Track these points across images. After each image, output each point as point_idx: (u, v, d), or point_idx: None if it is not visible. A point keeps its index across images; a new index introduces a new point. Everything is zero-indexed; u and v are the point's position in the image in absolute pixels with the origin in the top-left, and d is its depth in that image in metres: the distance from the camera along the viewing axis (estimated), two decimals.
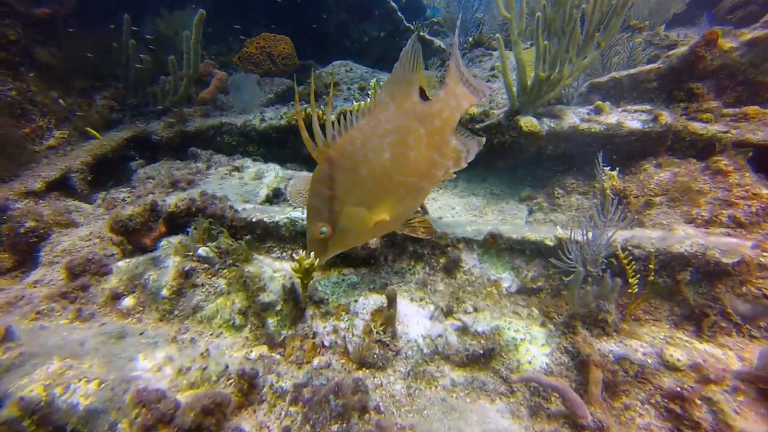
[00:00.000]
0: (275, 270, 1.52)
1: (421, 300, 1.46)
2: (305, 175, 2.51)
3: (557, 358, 1.25)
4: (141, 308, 1.52)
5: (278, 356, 1.36)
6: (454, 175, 1.40)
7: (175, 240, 1.67)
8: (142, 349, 1.32)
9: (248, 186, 2.31)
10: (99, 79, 2.79)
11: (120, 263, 1.61)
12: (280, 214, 1.74)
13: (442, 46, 3.92)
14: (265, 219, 1.72)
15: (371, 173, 0.95)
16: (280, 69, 3.62)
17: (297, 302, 1.39)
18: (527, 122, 2.18)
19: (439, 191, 2.57)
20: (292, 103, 3.09)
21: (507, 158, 2.45)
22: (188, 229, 1.63)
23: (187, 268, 1.51)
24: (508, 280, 1.54)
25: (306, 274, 1.30)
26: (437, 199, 2.49)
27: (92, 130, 2.41)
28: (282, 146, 2.74)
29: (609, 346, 1.24)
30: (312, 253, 1.11)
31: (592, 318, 1.29)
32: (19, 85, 2.38)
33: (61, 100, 2.50)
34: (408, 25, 3.91)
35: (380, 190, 0.98)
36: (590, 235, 1.37)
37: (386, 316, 1.33)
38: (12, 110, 2.36)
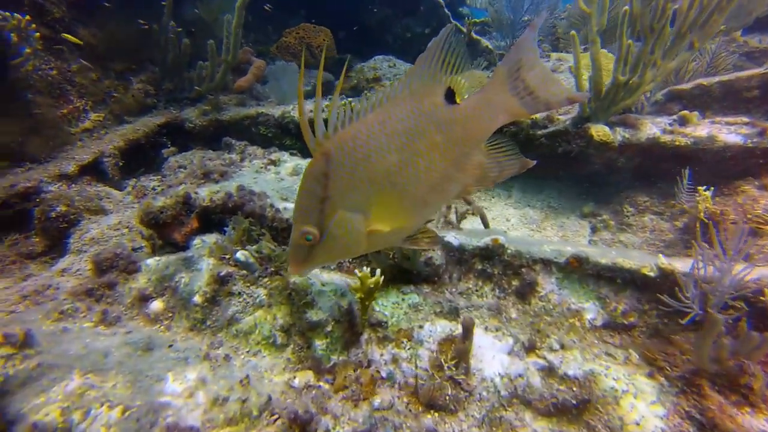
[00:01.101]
0: (324, 283, 1.32)
1: (497, 330, 1.23)
2: None
3: (676, 424, 1.01)
4: (170, 314, 1.34)
5: (327, 386, 1.16)
6: (476, 191, 1.17)
7: (209, 239, 1.49)
8: (171, 366, 1.13)
9: (285, 182, 2.13)
10: (136, 61, 2.65)
11: (149, 261, 1.44)
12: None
13: (490, 46, 3.70)
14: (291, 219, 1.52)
15: (371, 176, 0.83)
16: (318, 61, 3.45)
17: (352, 324, 1.19)
18: (599, 131, 1.94)
19: (491, 200, 2.34)
20: (334, 96, 2.91)
21: (569, 169, 2.22)
22: (225, 228, 1.44)
23: (222, 274, 1.32)
24: (592, 311, 1.30)
25: (368, 294, 1.09)
26: (490, 209, 2.26)
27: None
28: None
29: (757, 422, 0.99)
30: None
31: (726, 379, 1.04)
32: (60, 65, 2.26)
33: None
34: (455, 22, 3.70)
35: (380, 197, 0.85)
36: (708, 269, 1.13)
37: (460, 349, 1.12)
38: (52, 90, 2.24)
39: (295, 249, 0.86)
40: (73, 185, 2.19)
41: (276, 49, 3.36)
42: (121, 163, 2.41)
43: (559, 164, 2.20)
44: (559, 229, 2.15)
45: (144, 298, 1.36)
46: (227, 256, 1.36)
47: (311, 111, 0.86)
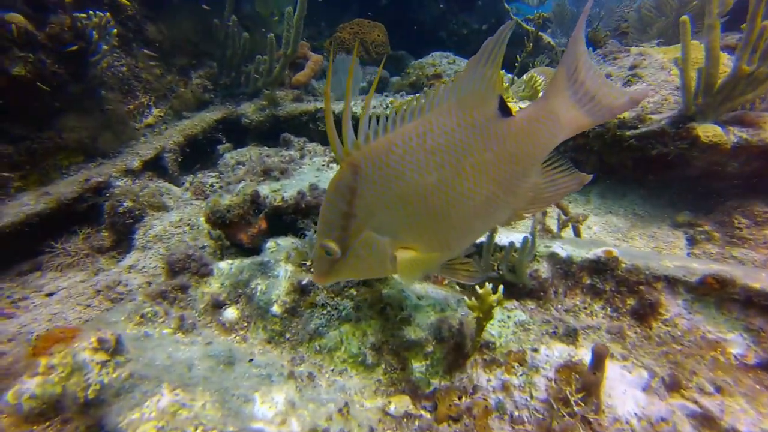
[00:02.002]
0: (419, 296, 1.18)
1: (624, 359, 1.05)
2: None
3: None
4: (245, 323, 1.23)
5: (428, 415, 1.01)
6: (527, 216, 1.04)
7: (285, 243, 1.38)
8: (256, 384, 1.01)
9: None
10: (196, 57, 2.61)
11: (221, 264, 1.33)
12: None
13: (552, 42, 3.48)
14: None
15: (404, 196, 0.72)
16: (372, 57, 3.33)
17: (459, 346, 1.03)
18: (709, 131, 1.71)
19: (568, 205, 2.14)
20: (395, 93, 2.77)
21: (661, 173, 1.99)
22: (306, 232, 1.32)
23: (304, 282, 1.20)
24: (739, 344, 1.10)
25: (487, 314, 0.94)
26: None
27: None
28: None
29: None
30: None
31: None
32: (129, 61, 2.24)
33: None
34: (515, 17, 3.50)
35: (413, 221, 0.74)
36: None
37: (589, 381, 0.95)
38: (121, 86, 2.21)
39: (318, 260, 0.79)
40: (137, 181, 2.15)
41: (330, 44, 3.26)
42: (180, 159, 2.36)
43: (647, 168, 1.98)
44: (650, 239, 1.92)
45: (217, 305, 1.26)
46: (308, 263, 1.24)
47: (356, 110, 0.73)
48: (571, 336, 1.07)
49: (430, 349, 1.07)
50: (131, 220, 2.01)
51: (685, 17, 1.63)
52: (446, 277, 0.91)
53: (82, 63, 2.01)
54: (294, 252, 1.27)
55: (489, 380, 1.03)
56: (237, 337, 1.20)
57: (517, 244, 1.18)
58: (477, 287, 0.94)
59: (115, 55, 2.12)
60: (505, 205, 0.79)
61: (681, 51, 1.69)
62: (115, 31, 2.01)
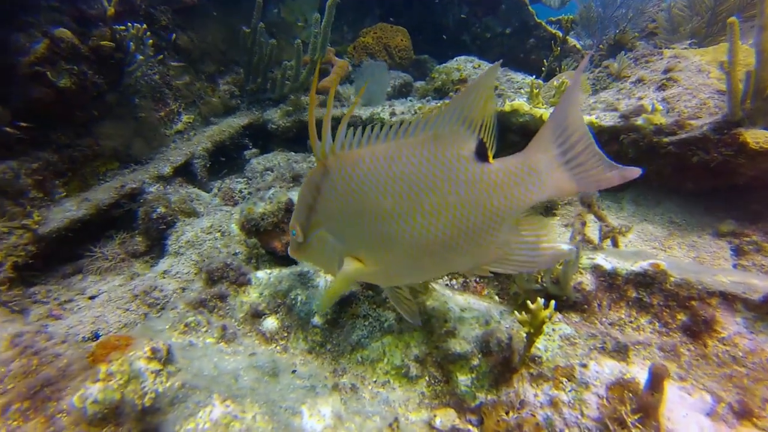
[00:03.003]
0: (462, 308, 1.16)
1: (682, 380, 1.02)
2: None
3: None
4: (285, 334, 1.24)
5: (474, 429, 1.00)
6: (491, 275, 1.02)
7: None
8: (302, 396, 1.01)
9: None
10: (224, 63, 2.65)
11: (260, 274, 1.34)
12: None
13: (578, 45, 3.42)
14: None
15: (359, 211, 0.72)
16: (396, 62, 3.33)
17: (507, 360, 1.02)
18: (758, 137, 1.65)
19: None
20: (421, 98, 2.77)
21: (701, 181, 1.93)
22: None
23: (345, 293, 1.19)
24: None
25: (538, 329, 0.92)
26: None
27: None
28: None
29: None
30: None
31: None
32: (161, 69, 2.28)
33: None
34: (539, 21, 3.46)
35: (363, 236, 0.74)
36: None
37: (646, 403, 0.92)
38: (153, 94, 2.26)
39: (291, 238, 0.86)
40: (169, 187, 2.19)
41: (353, 48, 3.27)
42: (208, 165, 2.40)
43: (686, 176, 1.93)
44: (690, 249, 1.87)
45: (257, 314, 1.27)
46: None
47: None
48: (621, 352, 1.04)
49: (475, 362, 1.05)
50: (164, 226, 2.04)
51: (733, 18, 1.58)
52: (393, 302, 0.91)
53: (119, 73, 2.06)
54: None
55: (536, 395, 1.01)
56: (277, 347, 1.21)
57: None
58: (528, 301, 0.92)
59: (150, 63, 2.16)
60: (465, 253, 0.75)
61: (728, 53, 1.63)
62: (151, 41, 2.05)
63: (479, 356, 1.06)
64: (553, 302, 0.92)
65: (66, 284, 1.89)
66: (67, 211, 1.92)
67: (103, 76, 2.00)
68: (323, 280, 1.25)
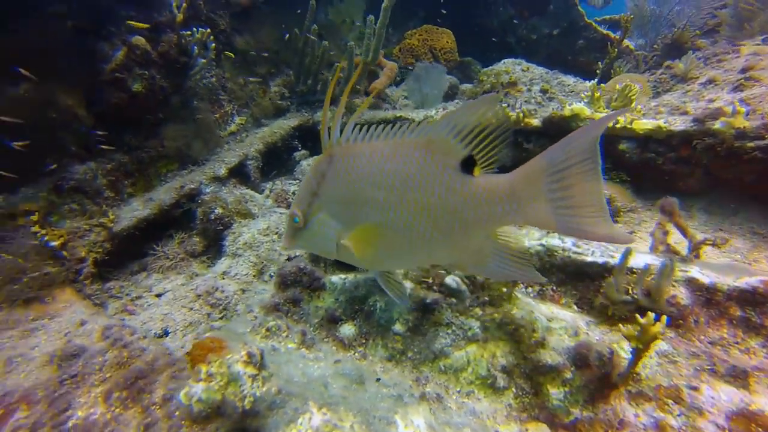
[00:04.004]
0: (549, 318, 1.13)
1: None
2: None
3: None
4: (364, 340, 1.23)
5: None
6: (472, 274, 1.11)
7: None
8: (392, 406, 1.00)
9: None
10: (275, 65, 2.69)
11: (334, 279, 1.34)
12: (527, 238, 1.35)
13: (631, 46, 3.31)
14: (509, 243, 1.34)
15: (355, 199, 0.82)
16: (441, 64, 3.30)
17: (605, 375, 0.98)
18: None
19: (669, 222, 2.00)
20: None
21: None
22: None
23: (429, 300, 1.18)
24: None
25: (647, 345, 0.88)
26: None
27: None
28: None
29: None
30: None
31: None
32: (218, 72, 2.33)
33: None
34: (589, 21, 3.36)
35: (357, 222, 0.83)
36: None
37: None
38: (210, 96, 2.32)
39: (287, 225, 0.91)
40: (224, 187, 2.23)
41: (398, 50, 3.26)
42: (261, 166, 2.44)
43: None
44: None
45: (333, 320, 1.27)
46: (430, 280, 1.22)
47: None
48: (739, 378, 0.98)
49: (568, 375, 1.02)
50: (221, 227, 2.08)
51: None
52: (382, 285, 0.97)
53: (183, 76, 2.11)
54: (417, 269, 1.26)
55: (637, 415, 0.96)
56: (357, 354, 1.20)
57: (643, 267, 1.11)
58: (638, 315, 0.88)
59: (207, 67, 2.21)
60: (445, 251, 0.83)
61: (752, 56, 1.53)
62: (214, 45, 2.10)
63: (572, 369, 1.02)
64: (664, 317, 0.87)
65: (133, 281, 1.95)
66: (135, 210, 1.99)
67: (168, 80, 2.06)
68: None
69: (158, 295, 1.84)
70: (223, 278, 1.87)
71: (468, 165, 0.76)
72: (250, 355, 0.93)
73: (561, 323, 1.11)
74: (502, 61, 3.17)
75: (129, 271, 2.00)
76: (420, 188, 0.77)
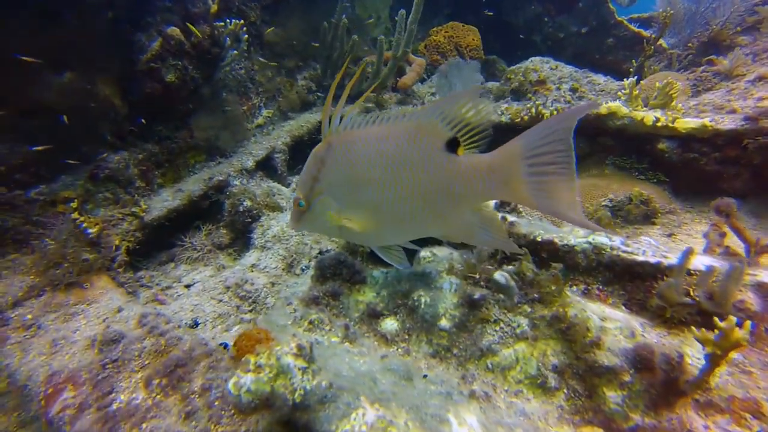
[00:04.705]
0: (601, 317, 1.09)
1: None
2: None
3: None
4: (407, 336, 1.20)
5: None
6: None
7: (441, 253, 1.33)
8: (443, 404, 0.97)
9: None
10: (303, 59, 2.67)
11: (376, 273, 1.32)
12: (572, 235, 1.31)
13: (664, 44, 3.23)
14: (554, 239, 1.31)
15: (354, 180, 0.89)
16: (474, 61, 3.26)
17: (672, 381, 0.93)
18: None
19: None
20: (497, 99, 2.69)
21: None
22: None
23: (477, 297, 1.14)
24: None
25: (727, 351, 0.83)
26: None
27: None
28: (494, 147, 2.35)
29: None
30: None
31: None
32: (246, 65, 2.32)
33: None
34: (620, 18, 3.29)
35: (355, 200, 0.91)
36: None
37: None
38: (239, 88, 2.31)
39: (293, 208, 0.98)
40: (251, 180, 2.22)
41: (424, 47, 3.23)
42: (288, 159, 2.42)
43: None
44: None
45: (374, 315, 1.24)
46: (476, 276, 1.19)
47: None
48: None
49: (627, 378, 0.98)
50: (249, 219, 2.06)
51: None
52: (382, 256, 1.06)
53: (214, 67, 2.11)
54: (460, 264, 1.22)
55: (707, 427, 0.92)
56: (399, 350, 1.18)
57: (706, 270, 1.06)
58: (716, 319, 0.84)
59: (244, 57, 2.20)
60: (433, 222, 0.91)
61: None
62: (246, 36, 2.09)
63: (631, 372, 0.98)
64: (748, 323, 0.83)
65: (162, 271, 1.95)
66: (165, 200, 1.98)
67: (200, 71, 2.05)
68: (447, 282, 1.21)
69: (188, 286, 1.83)
70: (252, 271, 1.86)
71: (453, 145, 0.84)
72: (300, 348, 0.91)
73: (615, 323, 1.07)
74: (530, 59, 3.12)
75: (158, 260, 1.99)
76: (412, 166, 0.85)
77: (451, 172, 0.84)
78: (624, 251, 1.22)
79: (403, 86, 2.57)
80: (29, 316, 1.33)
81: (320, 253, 1.87)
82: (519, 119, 2.25)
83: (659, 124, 1.83)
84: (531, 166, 0.80)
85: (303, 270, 1.78)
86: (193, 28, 1.79)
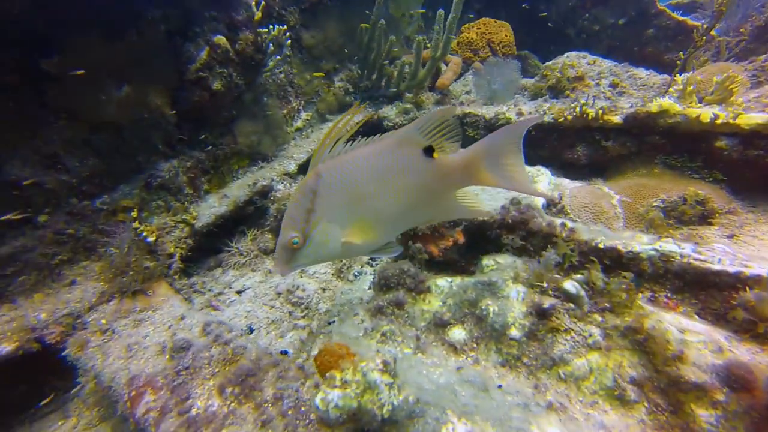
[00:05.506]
0: (681, 329, 1.06)
1: None
2: (580, 185, 2.04)
3: None
4: (474, 345, 1.20)
5: None
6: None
7: (504, 261, 1.32)
8: (522, 415, 0.97)
9: (514, 192, 1.91)
10: (340, 60, 2.67)
11: (440, 282, 1.32)
12: (636, 242, 1.29)
13: (713, 32, 3.11)
14: (617, 246, 1.28)
15: (351, 199, 0.97)
16: (515, 60, 3.20)
17: None
18: None
19: None
20: (534, 98, 2.63)
21: None
22: (547, 254, 1.24)
23: (547, 306, 1.13)
24: None
25: None
26: None
27: None
28: (537, 147, 2.31)
29: None
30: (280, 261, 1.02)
31: None
32: (286, 68, 2.33)
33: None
34: (662, 7, 3.18)
35: (357, 215, 1.00)
36: None
37: None
38: (279, 92, 2.32)
39: (282, 251, 0.99)
40: (294, 184, 2.24)
41: (457, 45, 3.19)
42: None
43: None
44: None
45: (441, 324, 1.24)
46: (544, 284, 1.18)
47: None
48: None
49: (720, 397, 0.95)
50: None
51: None
52: (376, 255, 1.15)
53: (257, 73, 2.12)
54: (526, 272, 1.21)
55: None
56: (468, 359, 1.18)
57: None
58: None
59: (287, 61, 2.21)
60: (422, 213, 1.06)
61: None
62: (290, 42, 2.09)
63: (725, 391, 0.95)
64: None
65: (211, 276, 1.99)
66: (212, 207, 2.02)
67: (243, 77, 2.07)
68: (514, 291, 1.20)
69: (239, 292, 1.87)
70: (302, 276, 1.88)
71: (429, 151, 0.98)
72: (385, 364, 0.92)
73: (697, 336, 1.04)
74: (566, 54, 3.05)
75: (206, 266, 2.03)
76: (398, 174, 0.97)
77: (431, 173, 0.99)
78: (696, 259, 1.19)
79: (441, 86, 2.55)
80: (103, 321, 1.38)
81: (371, 258, 1.88)
82: (562, 119, 2.20)
83: (718, 121, 1.77)
84: (490, 161, 1.00)
85: (356, 276, 1.80)
86: (242, 35, 1.80)
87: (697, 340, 1.03)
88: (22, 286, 1.38)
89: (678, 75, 2.12)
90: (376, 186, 0.97)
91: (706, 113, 1.84)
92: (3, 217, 1.30)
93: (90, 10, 1.44)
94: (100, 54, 1.50)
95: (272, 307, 1.80)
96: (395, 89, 2.60)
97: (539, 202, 1.82)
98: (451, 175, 1.01)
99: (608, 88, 2.63)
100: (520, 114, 2.29)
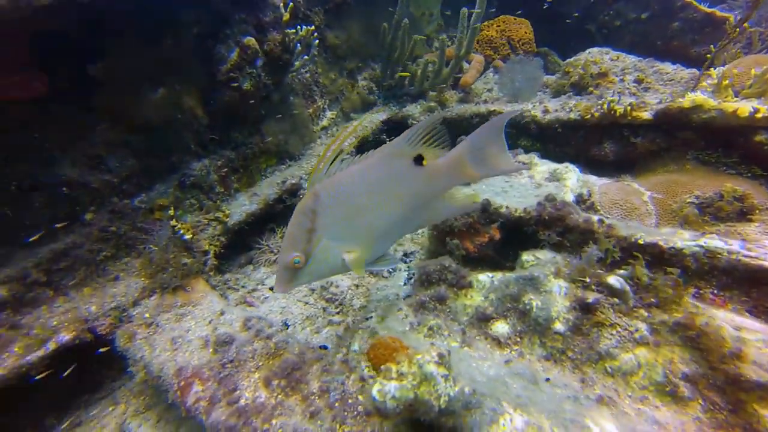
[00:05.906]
0: (735, 326, 1.05)
1: None
2: (609, 182, 2.03)
3: None
4: (518, 339, 1.20)
5: None
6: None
7: (544, 256, 1.32)
8: (576, 408, 0.97)
9: (545, 188, 1.91)
10: (363, 60, 2.68)
11: (482, 277, 1.32)
12: (678, 238, 1.28)
13: (747, 24, 3.06)
14: (659, 242, 1.27)
15: (349, 214, 1.01)
16: (537, 58, 3.19)
17: None
18: None
19: None
20: (556, 94, 2.62)
21: None
22: (590, 250, 1.23)
23: (591, 300, 1.13)
24: None
25: None
26: None
27: None
28: (563, 144, 2.30)
29: None
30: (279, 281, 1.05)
31: None
32: (311, 68, 2.35)
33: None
34: None
35: (355, 230, 1.03)
36: None
37: None
38: (305, 92, 2.34)
39: (284, 271, 1.02)
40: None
41: (476, 43, 3.18)
42: None
43: None
44: None
45: (484, 318, 1.24)
46: (587, 280, 1.17)
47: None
48: None
49: None
50: None
51: None
52: (374, 269, 1.17)
53: (284, 73, 2.14)
54: (567, 267, 1.21)
55: None
56: (513, 353, 1.18)
57: None
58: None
59: (314, 61, 2.23)
60: (417, 219, 1.10)
61: None
62: (318, 42, 2.11)
63: None
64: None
65: (243, 273, 2.01)
66: (243, 205, 2.05)
67: (271, 77, 2.09)
68: (557, 285, 1.20)
69: (272, 288, 1.89)
70: None
71: (419, 160, 1.03)
72: (441, 356, 0.93)
73: (756, 335, 1.03)
74: (587, 51, 3.02)
75: (237, 263, 2.06)
76: (391, 183, 1.02)
77: (421, 180, 1.04)
78: (746, 256, 1.18)
79: (464, 84, 2.55)
80: (147, 315, 1.42)
81: (405, 255, 1.89)
82: (589, 116, 2.19)
83: (758, 115, 1.74)
84: (474, 157, 1.05)
85: (389, 272, 1.81)
86: (271, 37, 1.82)
87: (755, 338, 1.02)
88: (74, 279, 1.43)
89: (710, 69, 2.09)
90: (372, 200, 1.02)
91: (744, 107, 1.82)
92: (57, 225, 1.36)
93: (130, 17, 1.48)
94: (139, 58, 1.53)
95: (306, 303, 1.82)
96: (419, 88, 2.60)
97: (570, 197, 1.81)
98: (440, 178, 1.06)
99: (633, 83, 2.60)
100: (546, 111, 2.28)
